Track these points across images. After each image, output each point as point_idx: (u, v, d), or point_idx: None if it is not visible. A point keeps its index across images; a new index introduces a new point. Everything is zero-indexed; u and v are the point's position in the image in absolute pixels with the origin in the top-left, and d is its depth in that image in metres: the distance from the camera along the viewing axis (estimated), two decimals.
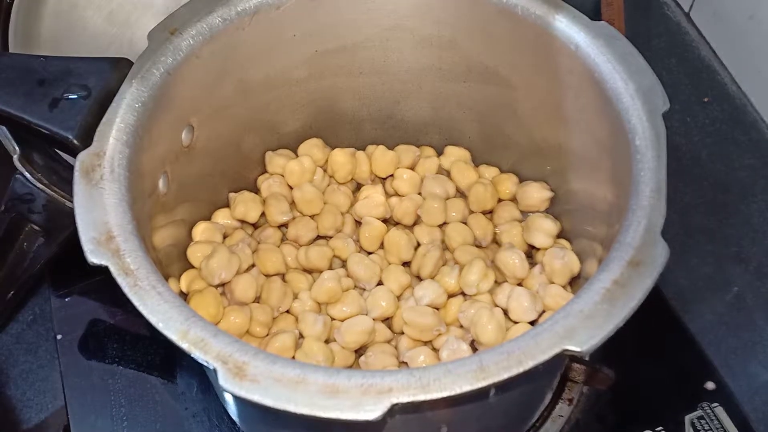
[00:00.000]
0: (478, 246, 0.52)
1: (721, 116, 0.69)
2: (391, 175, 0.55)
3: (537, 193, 0.52)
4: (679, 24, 0.75)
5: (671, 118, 0.61)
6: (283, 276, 0.51)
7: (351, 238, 0.53)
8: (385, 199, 0.54)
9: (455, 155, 0.56)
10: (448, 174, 0.56)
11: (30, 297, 0.60)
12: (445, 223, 0.53)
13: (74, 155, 0.40)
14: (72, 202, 0.40)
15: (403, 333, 0.48)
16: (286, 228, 0.53)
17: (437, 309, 0.49)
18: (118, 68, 0.43)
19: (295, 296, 0.50)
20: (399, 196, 0.55)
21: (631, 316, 0.35)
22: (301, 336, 0.48)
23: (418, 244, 0.53)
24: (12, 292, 0.57)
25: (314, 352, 0.45)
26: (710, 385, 0.53)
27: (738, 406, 0.52)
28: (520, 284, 0.50)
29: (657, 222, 0.37)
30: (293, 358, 0.46)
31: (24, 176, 0.54)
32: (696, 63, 0.72)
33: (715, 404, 0.52)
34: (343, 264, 0.52)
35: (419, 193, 0.55)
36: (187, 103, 0.46)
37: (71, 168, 0.39)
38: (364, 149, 0.57)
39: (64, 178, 0.54)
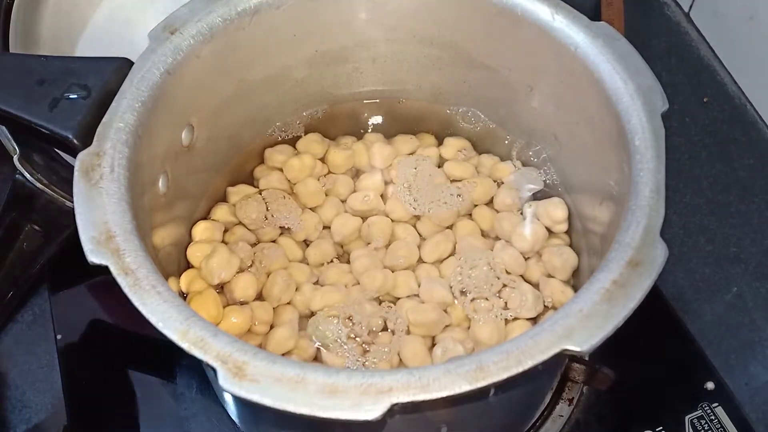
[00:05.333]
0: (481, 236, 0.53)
1: (720, 116, 0.69)
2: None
3: (557, 211, 0.52)
4: (679, 24, 0.75)
5: (671, 118, 0.61)
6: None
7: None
8: (382, 191, 0.54)
9: (455, 146, 0.56)
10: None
11: (30, 297, 0.60)
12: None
13: (74, 155, 0.40)
14: (72, 202, 0.40)
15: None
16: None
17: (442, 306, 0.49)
18: (118, 68, 0.43)
19: (297, 288, 0.50)
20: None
21: (630, 316, 0.35)
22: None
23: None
24: (11, 293, 0.57)
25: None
26: (710, 385, 0.53)
27: (738, 406, 0.52)
28: (521, 276, 0.50)
29: (656, 222, 0.37)
30: (293, 349, 0.47)
31: (24, 176, 0.54)
32: (696, 63, 0.72)
33: (715, 404, 0.52)
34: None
35: None
36: (187, 103, 0.47)
37: (71, 168, 0.39)
38: (363, 136, 0.57)
39: (64, 178, 0.54)
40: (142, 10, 0.61)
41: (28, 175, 0.54)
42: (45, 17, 0.59)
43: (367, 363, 0.46)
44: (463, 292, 0.49)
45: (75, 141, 0.41)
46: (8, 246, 0.55)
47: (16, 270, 0.56)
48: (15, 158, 0.53)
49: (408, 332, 0.48)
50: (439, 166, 0.55)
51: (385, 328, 0.48)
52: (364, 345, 0.47)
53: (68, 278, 0.59)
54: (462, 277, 0.49)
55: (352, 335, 0.47)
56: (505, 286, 0.49)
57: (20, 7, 0.57)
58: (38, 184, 0.54)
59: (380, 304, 0.49)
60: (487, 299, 0.49)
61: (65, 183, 0.54)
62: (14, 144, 0.53)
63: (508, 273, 0.50)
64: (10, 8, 0.56)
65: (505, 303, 0.48)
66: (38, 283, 0.59)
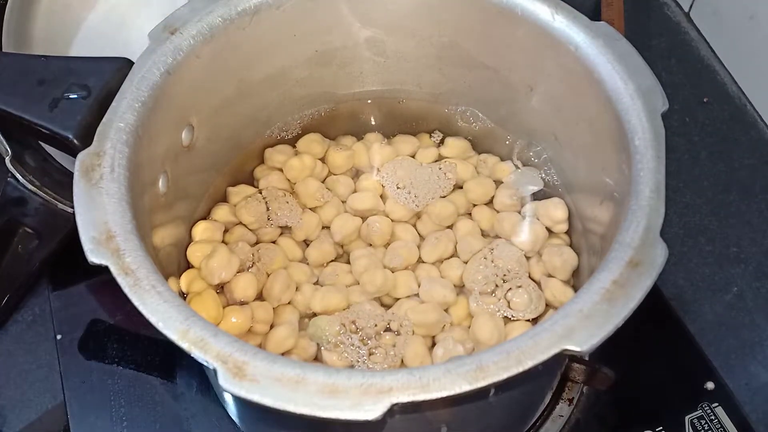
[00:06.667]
0: (481, 236, 0.53)
1: (721, 116, 0.69)
2: None
3: (557, 211, 0.52)
4: (679, 24, 0.75)
5: (671, 118, 0.61)
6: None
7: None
8: (381, 191, 0.54)
9: (455, 146, 0.56)
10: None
11: (29, 297, 0.60)
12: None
13: (74, 155, 0.40)
14: (65, 204, 0.40)
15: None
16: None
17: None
18: (118, 68, 0.43)
19: (297, 288, 0.50)
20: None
21: (630, 316, 0.35)
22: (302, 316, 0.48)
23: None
24: (9, 295, 0.57)
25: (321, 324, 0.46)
26: (710, 385, 0.53)
27: (738, 406, 0.52)
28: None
29: (656, 222, 0.37)
30: (293, 349, 0.47)
31: (16, 178, 0.53)
32: (696, 63, 0.72)
33: (715, 404, 0.52)
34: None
35: None
36: (187, 103, 0.47)
37: (64, 170, 0.40)
38: (363, 136, 0.57)
39: (56, 180, 0.54)
40: (136, 11, 0.61)
41: (20, 177, 0.53)
42: (38, 18, 0.59)
43: (376, 367, 0.46)
44: (474, 283, 0.49)
45: (75, 141, 0.41)
46: (3, 249, 0.55)
47: (11, 273, 0.56)
48: (7, 160, 0.53)
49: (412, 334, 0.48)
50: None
51: (387, 329, 0.48)
52: (371, 350, 0.47)
53: (68, 278, 0.59)
54: (485, 268, 0.49)
55: (360, 339, 0.47)
56: (519, 287, 0.49)
57: (14, 6, 0.57)
58: (30, 186, 0.54)
59: (381, 305, 0.49)
60: (493, 294, 0.49)
61: (58, 185, 0.54)
62: (6, 145, 0.53)
63: (531, 277, 0.50)
64: (4, 8, 0.56)
65: (509, 303, 0.48)
66: (38, 283, 0.59)
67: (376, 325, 0.47)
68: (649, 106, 0.41)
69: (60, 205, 0.54)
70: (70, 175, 0.40)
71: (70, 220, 0.39)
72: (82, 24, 0.61)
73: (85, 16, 0.61)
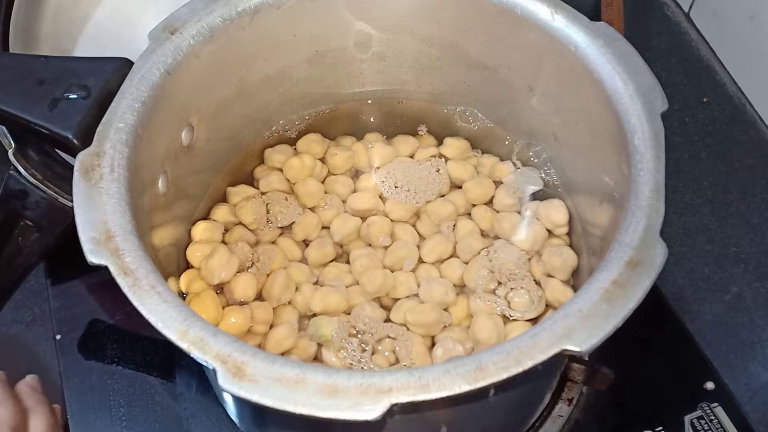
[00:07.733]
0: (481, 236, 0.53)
1: (720, 116, 0.69)
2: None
3: (558, 215, 0.52)
4: (679, 24, 0.75)
5: (671, 118, 0.61)
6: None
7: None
8: (380, 191, 0.54)
9: (455, 146, 0.56)
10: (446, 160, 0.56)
11: (29, 297, 0.60)
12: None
13: (74, 155, 0.40)
14: (66, 198, 0.39)
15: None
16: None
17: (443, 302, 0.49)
18: (118, 68, 0.43)
19: (297, 288, 0.50)
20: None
21: (630, 316, 0.35)
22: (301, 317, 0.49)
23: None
24: (8, 287, 0.56)
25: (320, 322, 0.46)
26: (710, 385, 0.53)
27: (738, 406, 0.52)
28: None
29: (656, 222, 0.37)
30: (293, 349, 0.47)
31: (18, 171, 0.53)
32: (696, 63, 0.72)
33: (715, 404, 0.52)
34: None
35: None
36: (187, 103, 0.47)
37: (66, 164, 0.40)
38: (363, 136, 0.57)
39: (58, 174, 0.54)
40: (142, 9, 0.61)
41: (22, 170, 0.53)
42: (46, 15, 0.59)
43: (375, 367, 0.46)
44: (475, 283, 0.49)
45: (75, 141, 0.41)
46: (3, 241, 0.55)
47: (11, 264, 0.55)
48: (10, 152, 0.53)
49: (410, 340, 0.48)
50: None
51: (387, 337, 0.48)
52: (372, 351, 0.47)
53: (68, 278, 0.59)
54: (486, 266, 0.49)
55: (359, 344, 0.47)
56: (521, 287, 0.49)
57: (21, 3, 0.57)
58: (32, 180, 0.53)
59: (381, 305, 0.49)
60: (494, 293, 0.49)
61: (60, 179, 0.54)
62: (9, 138, 0.53)
63: (542, 279, 0.50)
64: (11, 5, 0.56)
65: (509, 303, 0.48)
66: (38, 282, 0.59)
67: (376, 331, 0.47)
68: (649, 106, 0.41)
69: (61, 199, 0.54)
70: (72, 169, 0.40)
71: (70, 214, 0.39)
72: (90, 22, 0.61)
73: (92, 13, 0.61)
